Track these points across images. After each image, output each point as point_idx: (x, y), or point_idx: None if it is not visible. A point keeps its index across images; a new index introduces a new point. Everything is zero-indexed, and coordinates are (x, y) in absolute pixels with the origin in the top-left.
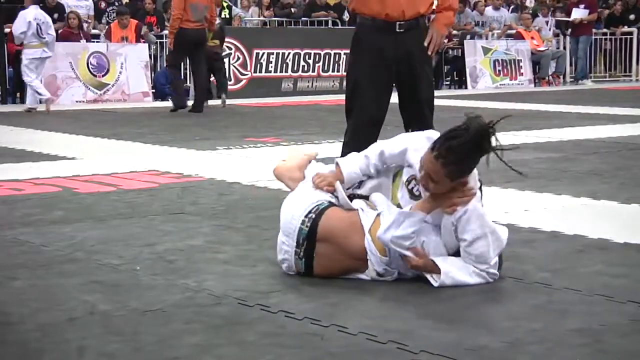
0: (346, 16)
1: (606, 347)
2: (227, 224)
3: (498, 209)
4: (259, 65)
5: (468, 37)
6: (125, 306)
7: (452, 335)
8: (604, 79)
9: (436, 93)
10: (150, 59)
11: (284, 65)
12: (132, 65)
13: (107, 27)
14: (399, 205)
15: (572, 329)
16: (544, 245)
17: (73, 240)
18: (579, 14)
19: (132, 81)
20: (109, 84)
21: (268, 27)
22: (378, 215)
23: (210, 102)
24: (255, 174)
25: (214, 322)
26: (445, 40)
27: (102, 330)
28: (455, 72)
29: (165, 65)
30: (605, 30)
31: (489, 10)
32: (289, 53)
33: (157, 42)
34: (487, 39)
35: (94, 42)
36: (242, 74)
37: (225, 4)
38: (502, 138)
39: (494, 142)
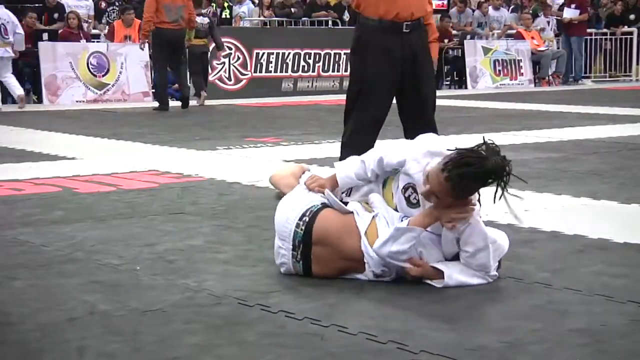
0: (346, 16)
1: (606, 347)
2: (227, 224)
3: (498, 209)
4: (259, 65)
5: (468, 37)
6: (125, 306)
7: (452, 335)
8: (604, 79)
9: (436, 93)
10: (150, 59)
11: (284, 65)
12: (132, 65)
13: (107, 26)
14: (395, 208)
15: (572, 329)
16: (544, 245)
17: (73, 240)
18: (569, 13)
19: (132, 81)
20: (109, 84)
21: (268, 27)
22: (374, 217)
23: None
24: (255, 174)
25: (214, 322)
26: (446, 41)
27: (102, 330)
28: (455, 72)
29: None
30: (605, 30)
31: (489, 10)
32: (289, 53)
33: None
34: (487, 39)
35: (94, 42)
36: (242, 74)
37: (226, 4)
38: (503, 138)
39: (504, 179)
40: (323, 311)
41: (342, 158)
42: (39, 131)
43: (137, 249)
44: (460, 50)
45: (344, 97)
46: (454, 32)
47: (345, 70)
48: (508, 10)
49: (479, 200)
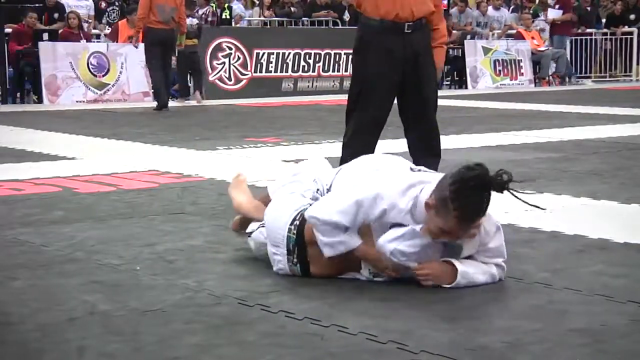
0: (346, 16)
1: (606, 347)
2: (227, 224)
3: (498, 209)
4: (259, 65)
5: (468, 37)
6: (125, 306)
7: (452, 335)
8: (604, 79)
9: (438, 93)
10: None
11: (284, 65)
12: (132, 65)
13: (107, 26)
14: None
15: (572, 329)
16: (544, 245)
17: (73, 240)
18: (552, 14)
19: (132, 81)
20: (109, 84)
21: (268, 27)
22: None
23: (186, 102)
24: (255, 174)
25: (214, 322)
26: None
27: (102, 330)
28: (455, 72)
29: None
30: (605, 30)
31: (489, 10)
32: (289, 53)
33: None
34: (487, 39)
35: (94, 42)
36: (242, 74)
37: (225, 5)
38: (503, 138)
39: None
40: (323, 311)
41: (343, 158)
42: (39, 131)
43: (137, 249)
44: (460, 50)
45: (344, 97)
46: (454, 32)
47: (346, 70)
48: (508, 11)
49: None
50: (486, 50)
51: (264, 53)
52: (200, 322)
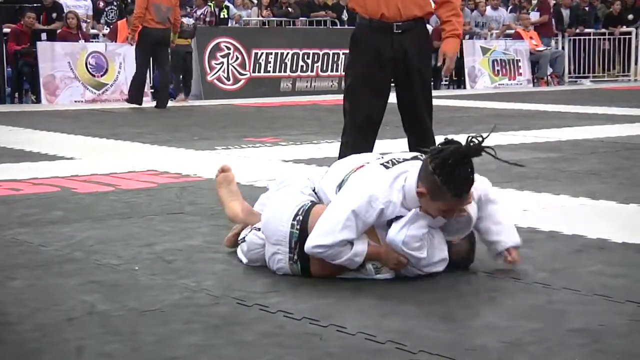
0: (345, 16)
1: (605, 347)
2: (225, 224)
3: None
4: (257, 65)
5: (467, 37)
6: (124, 306)
7: (451, 335)
8: (603, 79)
9: (434, 93)
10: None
11: (283, 65)
12: (130, 65)
13: (105, 26)
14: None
15: (572, 329)
16: (543, 245)
17: (72, 240)
18: (533, 17)
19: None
20: (108, 84)
21: (267, 27)
22: None
23: (173, 103)
24: (254, 173)
25: (212, 322)
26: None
27: (100, 330)
28: (453, 72)
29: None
30: (603, 30)
31: (487, 10)
32: (288, 53)
33: None
34: (485, 39)
35: (92, 42)
36: (240, 74)
37: (223, 5)
38: (501, 138)
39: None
40: (322, 311)
41: (341, 156)
42: (37, 131)
43: (136, 249)
44: (459, 50)
45: (342, 97)
46: None
47: (344, 70)
48: (507, 11)
49: None
50: (484, 50)
51: (262, 53)
52: (199, 322)
